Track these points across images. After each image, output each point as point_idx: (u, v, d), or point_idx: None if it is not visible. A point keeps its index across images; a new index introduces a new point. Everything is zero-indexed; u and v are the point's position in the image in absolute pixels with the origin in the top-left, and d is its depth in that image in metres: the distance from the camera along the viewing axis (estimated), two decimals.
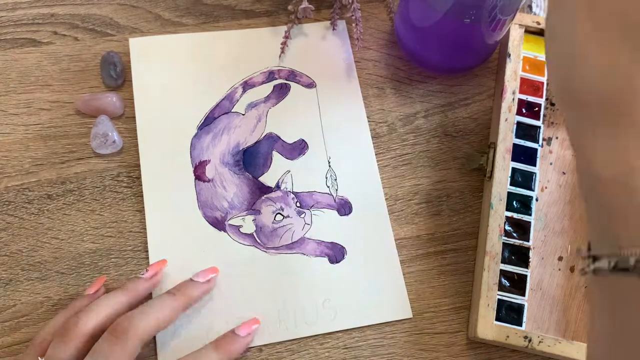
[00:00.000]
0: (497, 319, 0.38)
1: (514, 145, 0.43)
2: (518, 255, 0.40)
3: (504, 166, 0.42)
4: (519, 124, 0.44)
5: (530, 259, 0.40)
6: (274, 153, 0.43)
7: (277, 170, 0.43)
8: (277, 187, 0.42)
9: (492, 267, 0.39)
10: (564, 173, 0.44)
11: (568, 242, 0.42)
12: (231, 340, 0.36)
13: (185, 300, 0.36)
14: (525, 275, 0.40)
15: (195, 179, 0.42)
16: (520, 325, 0.38)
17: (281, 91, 0.45)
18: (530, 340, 0.37)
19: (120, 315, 0.34)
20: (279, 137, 0.44)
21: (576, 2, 0.22)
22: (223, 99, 0.44)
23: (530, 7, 0.50)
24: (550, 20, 0.24)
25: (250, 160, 0.43)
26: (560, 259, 0.42)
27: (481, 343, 0.39)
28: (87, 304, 0.35)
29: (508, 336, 0.38)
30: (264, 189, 0.42)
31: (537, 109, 0.45)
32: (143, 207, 0.41)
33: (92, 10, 0.47)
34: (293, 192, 0.42)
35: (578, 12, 0.22)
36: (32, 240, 0.40)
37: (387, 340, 0.39)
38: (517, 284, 0.40)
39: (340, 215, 0.42)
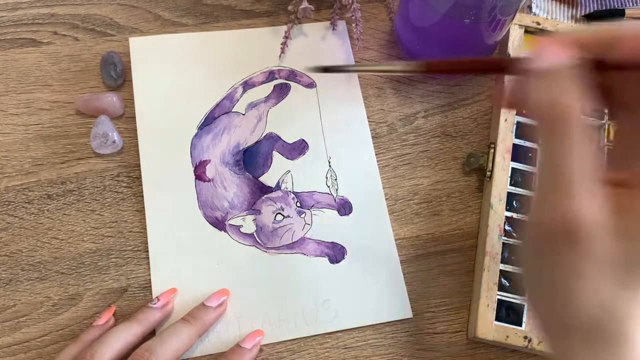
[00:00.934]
0: (497, 319, 0.38)
1: (514, 145, 0.43)
2: (518, 255, 0.40)
3: (504, 166, 0.42)
4: (519, 124, 0.44)
5: None
6: (274, 153, 0.43)
7: (277, 170, 0.43)
8: (278, 187, 0.42)
9: (492, 267, 0.39)
10: None
11: None
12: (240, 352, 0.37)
13: (200, 327, 0.36)
14: None
15: (196, 178, 0.42)
16: (520, 325, 0.38)
17: (281, 91, 0.45)
18: (530, 340, 0.37)
19: (133, 347, 0.34)
20: (279, 137, 0.44)
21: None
22: (223, 99, 0.44)
23: (530, 7, 0.51)
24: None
25: (250, 160, 0.43)
26: None
27: (481, 343, 0.39)
28: (97, 335, 0.35)
29: (508, 336, 0.38)
30: (264, 189, 0.42)
31: None
32: (143, 207, 0.41)
33: (92, 10, 0.47)
34: (293, 192, 0.42)
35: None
36: (32, 240, 0.40)
37: (387, 340, 0.39)
38: (517, 284, 0.40)
39: (341, 215, 0.42)
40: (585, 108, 0.21)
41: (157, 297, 0.37)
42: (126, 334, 0.34)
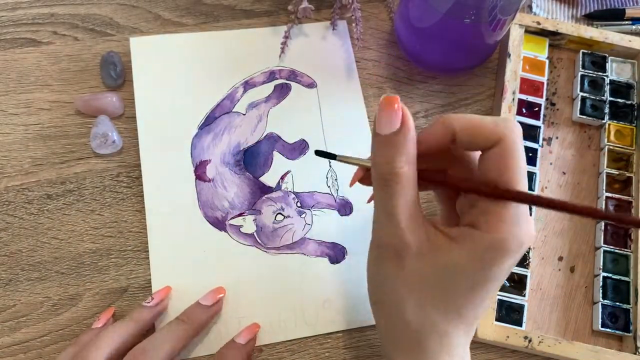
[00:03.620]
0: (497, 319, 0.38)
1: None
2: None
3: None
4: (519, 124, 0.44)
5: (530, 259, 0.40)
6: (275, 153, 0.43)
7: (277, 170, 0.42)
8: (278, 187, 0.42)
9: None
10: (564, 173, 0.44)
11: (568, 242, 0.42)
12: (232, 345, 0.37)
13: (195, 327, 0.36)
14: (525, 275, 0.40)
15: (196, 178, 0.42)
16: (520, 325, 0.38)
17: (282, 91, 0.45)
18: (530, 341, 0.37)
19: (129, 346, 0.34)
20: (280, 137, 0.44)
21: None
22: (224, 99, 0.44)
23: (530, 7, 0.51)
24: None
25: (250, 160, 0.43)
26: (560, 259, 0.42)
27: (481, 343, 0.39)
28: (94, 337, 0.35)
29: (508, 336, 0.38)
30: (265, 189, 0.42)
31: (537, 109, 0.45)
32: (143, 207, 0.41)
33: (92, 10, 0.47)
34: (294, 192, 0.42)
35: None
36: (32, 240, 0.40)
37: None
38: (517, 284, 0.40)
39: (341, 216, 0.42)
40: (412, 170, 0.28)
41: (151, 295, 0.37)
42: (120, 335, 0.34)
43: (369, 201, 0.34)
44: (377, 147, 0.29)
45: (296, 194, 0.42)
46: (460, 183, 0.29)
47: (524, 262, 0.40)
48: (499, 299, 0.39)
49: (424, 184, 0.29)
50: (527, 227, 0.27)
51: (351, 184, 0.34)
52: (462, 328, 0.28)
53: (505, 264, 0.27)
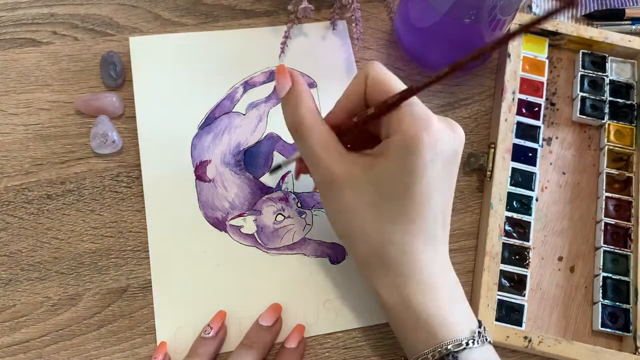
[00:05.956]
0: (497, 319, 0.38)
1: (514, 145, 0.43)
2: (518, 255, 0.40)
3: (504, 166, 0.42)
4: (519, 124, 0.44)
5: (530, 259, 0.40)
6: (275, 153, 0.43)
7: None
8: (278, 187, 0.42)
9: (492, 267, 0.39)
10: (564, 173, 0.44)
11: (568, 242, 0.42)
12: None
13: (262, 351, 0.36)
14: (525, 275, 0.40)
15: (196, 179, 0.42)
16: (520, 326, 0.38)
17: None
18: (530, 341, 0.37)
19: None
20: (280, 137, 0.44)
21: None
22: (224, 99, 0.44)
23: (530, 7, 0.51)
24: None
25: (251, 160, 0.43)
26: (560, 259, 0.42)
27: None
28: None
29: (508, 336, 0.38)
30: (265, 189, 0.42)
31: (537, 109, 0.45)
32: (143, 207, 0.41)
33: (92, 10, 0.47)
34: (294, 193, 0.42)
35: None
36: (31, 240, 0.40)
37: (387, 341, 0.39)
38: (517, 284, 0.40)
39: None
40: (314, 116, 0.32)
41: (208, 324, 0.37)
42: None
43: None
44: (283, 108, 0.34)
45: (296, 194, 0.42)
46: (365, 117, 0.32)
47: (524, 262, 0.40)
48: (498, 299, 0.39)
49: (355, 133, 0.33)
50: (437, 124, 0.30)
51: (296, 176, 0.39)
52: (420, 237, 0.31)
53: (425, 160, 0.30)
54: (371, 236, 0.31)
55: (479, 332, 0.31)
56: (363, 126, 0.33)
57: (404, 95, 0.30)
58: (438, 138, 0.30)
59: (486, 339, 0.32)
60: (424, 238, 0.31)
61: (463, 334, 0.31)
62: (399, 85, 0.32)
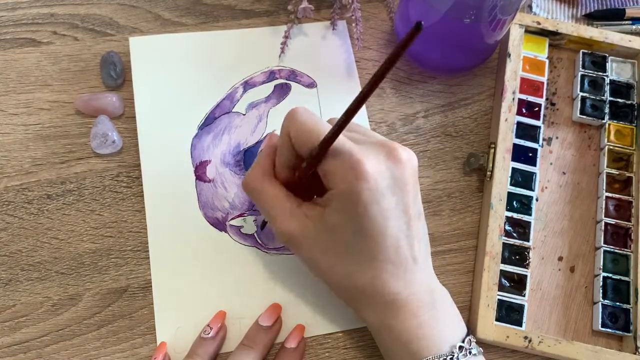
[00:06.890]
0: (497, 319, 0.38)
1: (514, 145, 0.43)
2: (518, 255, 0.40)
3: (504, 166, 0.42)
4: (519, 124, 0.44)
5: (530, 259, 0.40)
6: None
7: None
8: None
9: (492, 267, 0.39)
10: (564, 173, 0.44)
11: (568, 242, 0.42)
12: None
13: (262, 351, 0.36)
14: (525, 275, 0.40)
15: (196, 179, 0.42)
16: (520, 326, 0.38)
17: (282, 91, 0.45)
18: (530, 341, 0.37)
19: None
20: None
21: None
22: (224, 99, 0.44)
23: (530, 7, 0.51)
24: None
25: (251, 160, 0.43)
26: (560, 259, 0.42)
27: (481, 343, 0.39)
28: None
29: (508, 336, 0.38)
30: None
31: (537, 109, 0.45)
32: (143, 207, 0.41)
33: (92, 10, 0.47)
34: None
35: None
36: (31, 240, 0.40)
37: None
38: (517, 284, 0.40)
39: None
40: (266, 173, 0.34)
41: (208, 325, 0.37)
42: None
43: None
44: (252, 165, 0.36)
45: None
46: (301, 172, 0.33)
47: (524, 262, 0.40)
48: (499, 299, 0.39)
49: (309, 181, 0.34)
50: (369, 165, 0.30)
51: (261, 227, 0.41)
52: (386, 267, 0.32)
53: (366, 203, 0.30)
54: (339, 278, 0.33)
55: (460, 347, 0.32)
56: (308, 179, 0.33)
57: (325, 145, 0.30)
58: (374, 179, 0.30)
59: (470, 352, 0.32)
60: (390, 268, 0.32)
61: (444, 349, 0.31)
62: (322, 129, 0.31)
